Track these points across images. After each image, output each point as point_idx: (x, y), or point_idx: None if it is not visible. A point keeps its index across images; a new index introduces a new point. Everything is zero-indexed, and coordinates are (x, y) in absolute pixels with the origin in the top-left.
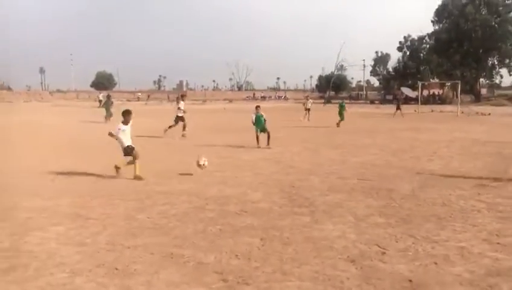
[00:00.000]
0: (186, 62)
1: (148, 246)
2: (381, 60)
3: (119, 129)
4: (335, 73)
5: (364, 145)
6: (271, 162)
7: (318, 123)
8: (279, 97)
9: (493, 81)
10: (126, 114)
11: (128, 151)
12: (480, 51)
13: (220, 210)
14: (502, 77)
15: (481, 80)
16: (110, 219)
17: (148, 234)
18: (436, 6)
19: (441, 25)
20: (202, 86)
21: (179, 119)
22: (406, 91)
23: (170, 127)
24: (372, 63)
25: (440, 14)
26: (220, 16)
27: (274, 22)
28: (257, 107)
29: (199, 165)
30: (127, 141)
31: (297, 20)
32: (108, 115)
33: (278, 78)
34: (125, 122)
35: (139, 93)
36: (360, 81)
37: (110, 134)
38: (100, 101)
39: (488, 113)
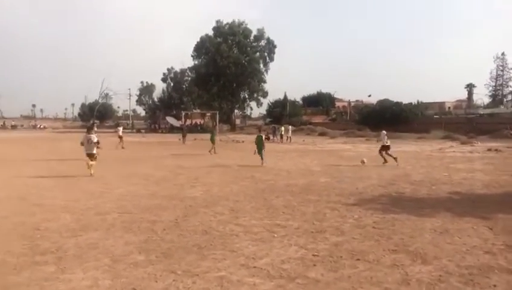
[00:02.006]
0: None
1: None
2: (146, 89)
3: None
4: (100, 101)
5: (127, 175)
6: (13, 201)
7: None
8: (35, 126)
9: (245, 112)
10: None
11: None
12: (234, 85)
13: None
14: (251, 108)
15: (236, 111)
16: None
17: None
18: (196, 43)
19: (200, 60)
20: None
21: None
22: (171, 120)
23: None
24: (138, 92)
25: (199, 50)
26: None
27: (30, 44)
28: None
29: None
30: None
31: (58, 42)
32: None
33: (34, 106)
34: None
35: None
36: (126, 110)
37: None
38: None
39: (242, 141)
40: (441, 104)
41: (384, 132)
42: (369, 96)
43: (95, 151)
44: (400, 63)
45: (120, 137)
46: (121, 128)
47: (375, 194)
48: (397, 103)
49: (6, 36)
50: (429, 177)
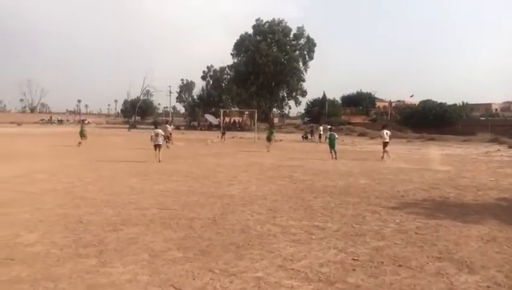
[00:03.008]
0: None
1: None
2: (186, 87)
3: None
4: (141, 98)
5: (167, 172)
6: (59, 194)
7: (113, 150)
8: (82, 121)
9: (283, 111)
10: None
11: None
12: (273, 83)
13: None
14: (290, 107)
15: (274, 109)
16: None
17: None
18: (235, 41)
19: (239, 58)
20: None
21: None
22: (210, 118)
23: None
24: (178, 89)
25: (238, 48)
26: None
27: (77, 43)
28: None
29: None
30: None
31: (102, 41)
32: None
33: (79, 101)
34: None
35: None
36: (166, 107)
37: None
38: None
39: (280, 140)
40: (487, 106)
41: (386, 130)
42: (412, 96)
43: (161, 142)
44: (443, 64)
45: (169, 134)
46: (170, 127)
47: (418, 198)
48: (441, 103)
49: (54, 36)
50: (475, 181)
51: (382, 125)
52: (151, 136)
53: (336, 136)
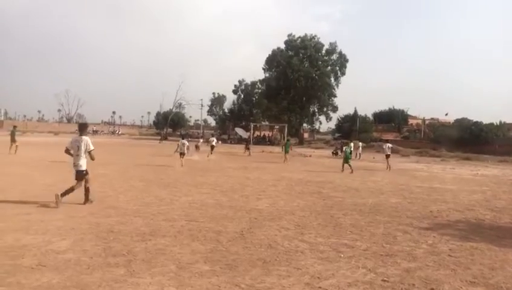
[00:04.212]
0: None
1: None
2: (217, 100)
3: None
4: (173, 110)
5: (196, 184)
6: (92, 202)
7: (155, 161)
8: (114, 132)
9: (314, 126)
10: None
11: None
12: (304, 99)
13: (11, 265)
14: (320, 123)
15: (304, 124)
16: None
17: None
18: (267, 56)
19: (270, 73)
20: (25, 116)
21: None
22: (240, 132)
23: None
24: (210, 103)
25: (270, 63)
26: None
27: (113, 56)
28: None
29: None
30: None
31: (137, 54)
32: None
33: (114, 112)
34: None
35: None
36: (197, 120)
37: None
38: None
39: (310, 155)
40: None
41: (389, 144)
42: (446, 114)
43: (185, 151)
44: (480, 82)
45: (212, 147)
46: (214, 139)
47: (451, 219)
48: (476, 122)
49: (92, 49)
50: None
51: (385, 140)
52: (178, 144)
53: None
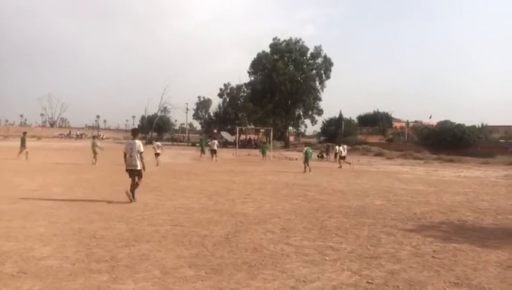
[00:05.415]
0: None
1: None
2: (203, 104)
3: None
4: (158, 114)
5: (181, 188)
6: (74, 208)
7: None
8: (96, 136)
9: (299, 129)
10: None
11: None
12: (289, 102)
13: None
14: (306, 126)
15: (290, 128)
16: None
17: None
18: (252, 59)
19: (256, 76)
20: (7, 121)
21: None
22: (226, 135)
23: None
24: (195, 106)
25: (255, 67)
26: (29, 45)
27: (96, 59)
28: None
29: None
30: None
31: (121, 58)
32: None
33: (98, 117)
34: None
35: None
36: (183, 124)
37: None
38: None
39: (296, 158)
40: (507, 128)
41: (344, 145)
42: (430, 117)
43: (159, 152)
44: (462, 85)
45: (214, 151)
46: (215, 142)
47: (435, 221)
48: (459, 125)
49: (75, 53)
50: (494, 205)
51: (339, 142)
52: (153, 147)
53: (311, 151)
